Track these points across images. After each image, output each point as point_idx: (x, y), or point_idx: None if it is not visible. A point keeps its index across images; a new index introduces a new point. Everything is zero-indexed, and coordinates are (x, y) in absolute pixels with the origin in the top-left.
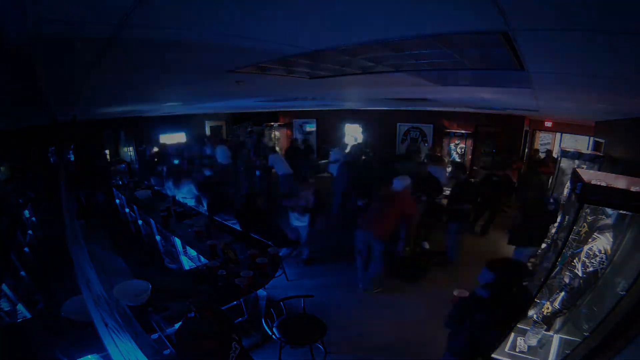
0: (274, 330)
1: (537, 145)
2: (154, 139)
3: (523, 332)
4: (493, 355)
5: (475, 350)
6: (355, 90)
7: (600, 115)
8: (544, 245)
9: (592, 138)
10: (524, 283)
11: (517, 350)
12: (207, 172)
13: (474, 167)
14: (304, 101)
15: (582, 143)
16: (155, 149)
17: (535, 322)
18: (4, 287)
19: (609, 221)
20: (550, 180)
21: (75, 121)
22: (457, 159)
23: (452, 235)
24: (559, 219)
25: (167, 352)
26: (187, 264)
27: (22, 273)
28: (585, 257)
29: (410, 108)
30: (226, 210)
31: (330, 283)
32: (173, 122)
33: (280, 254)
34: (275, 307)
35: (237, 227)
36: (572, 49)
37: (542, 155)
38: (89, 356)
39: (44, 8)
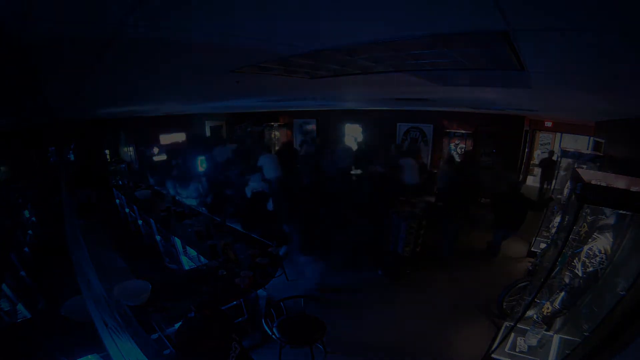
0: (274, 330)
1: (537, 146)
2: (154, 139)
3: (523, 332)
4: (493, 356)
5: None
6: (355, 90)
7: (600, 115)
8: (544, 246)
9: (592, 138)
10: None
11: (517, 350)
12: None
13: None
14: (304, 101)
15: (582, 143)
16: (156, 149)
17: (535, 322)
18: (4, 287)
19: (609, 221)
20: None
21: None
22: (457, 159)
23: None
24: (558, 219)
25: (167, 352)
26: (187, 264)
27: (22, 273)
28: (585, 257)
29: (410, 108)
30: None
31: (330, 283)
32: (173, 122)
33: (281, 253)
34: (275, 307)
35: (237, 226)
36: (572, 49)
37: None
38: (89, 356)
39: (44, 7)
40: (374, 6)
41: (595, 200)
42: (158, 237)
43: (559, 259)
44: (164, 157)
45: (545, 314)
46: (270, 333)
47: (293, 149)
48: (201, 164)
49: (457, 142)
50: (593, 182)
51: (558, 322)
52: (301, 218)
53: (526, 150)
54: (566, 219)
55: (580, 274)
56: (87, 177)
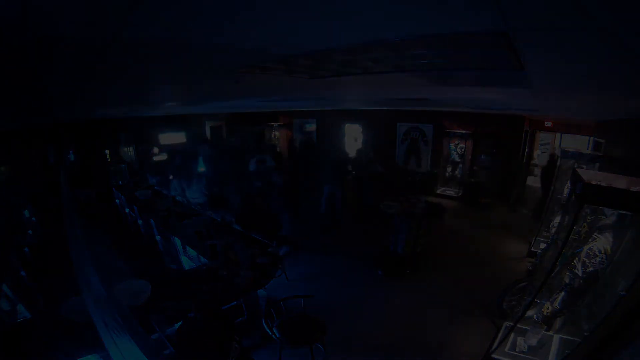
0: (274, 330)
1: (537, 146)
2: (154, 139)
3: (523, 332)
4: (493, 356)
5: None
6: (355, 90)
7: (600, 115)
8: (544, 246)
9: (592, 138)
10: None
11: (517, 350)
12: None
13: (474, 167)
14: (304, 101)
15: (582, 143)
16: (156, 149)
17: (535, 322)
18: (4, 287)
19: (609, 221)
20: None
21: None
22: (457, 159)
23: None
24: (558, 219)
25: (167, 352)
26: (187, 264)
27: (22, 273)
28: (585, 257)
29: (410, 108)
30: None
31: (331, 283)
32: (173, 122)
33: (280, 253)
34: (275, 307)
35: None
36: (572, 49)
37: None
38: (89, 356)
39: (43, 8)
40: (374, 6)
41: (595, 200)
42: (158, 237)
43: (559, 259)
44: (164, 157)
45: (545, 314)
46: (270, 333)
47: (294, 149)
48: (201, 165)
49: (457, 142)
50: (593, 182)
51: (558, 322)
52: (302, 218)
53: (526, 150)
54: (566, 219)
55: (580, 274)
56: (87, 177)
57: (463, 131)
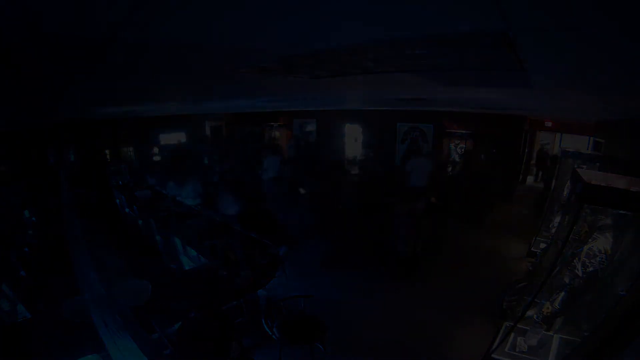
0: (274, 330)
1: (537, 146)
2: (154, 139)
3: (523, 332)
4: (493, 356)
5: None
6: (355, 90)
7: (600, 115)
8: (544, 246)
9: (592, 138)
10: None
11: (517, 350)
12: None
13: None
14: (303, 101)
15: (582, 143)
16: (156, 149)
17: (535, 322)
18: (4, 287)
19: (609, 221)
20: None
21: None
22: (457, 159)
23: None
24: (558, 219)
25: (167, 352)
26: (187, 264)
27: (22, 273)
28: (585, 257)
29: (410, 108)
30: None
31: (330, 283)
32: (173, 122)
33: (280, 253)
34: (275, 307)
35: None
36: (573, 49)
37: None
38: (89, 356)
39: (42, 7)
40: (374, 6)
41: (595, 200)
42: (158, 237)
43: (559, 259)
44: (164, 157)
45: (545, 314)
46: (270, 333)
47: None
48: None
49: (457, 142)
50: (593, 182)
51: (558, 322)
52: (301, 217)
53: (526, 150)
54: (566, 219)
55: (580, 274)
56: (87, 177)
57: (463, 131)
